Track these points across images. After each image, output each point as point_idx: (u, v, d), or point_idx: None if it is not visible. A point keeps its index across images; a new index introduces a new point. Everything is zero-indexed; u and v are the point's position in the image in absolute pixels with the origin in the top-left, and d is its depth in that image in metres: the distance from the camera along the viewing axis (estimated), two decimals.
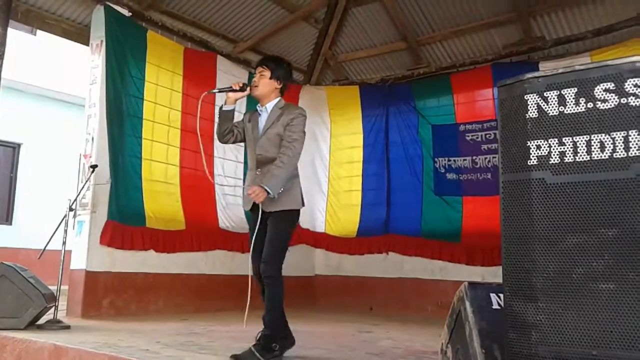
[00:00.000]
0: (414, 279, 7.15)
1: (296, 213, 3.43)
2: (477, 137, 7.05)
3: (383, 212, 7.57)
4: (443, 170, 7.28)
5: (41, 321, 4.30)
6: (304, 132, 3.40)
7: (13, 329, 3.96)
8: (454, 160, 7.20)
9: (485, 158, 6.97)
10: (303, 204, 3.45)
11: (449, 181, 7.21)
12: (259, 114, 3.45)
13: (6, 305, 4.07)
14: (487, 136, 6.98)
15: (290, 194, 3.35)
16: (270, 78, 3.40)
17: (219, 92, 3.51)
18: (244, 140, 3.53)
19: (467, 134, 7.14)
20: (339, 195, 7.94)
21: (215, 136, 3.55)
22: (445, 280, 6.76)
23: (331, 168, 8.08)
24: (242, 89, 3.38)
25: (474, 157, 7.05)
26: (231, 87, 3.40)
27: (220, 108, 3.43)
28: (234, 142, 3.59)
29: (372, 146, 7.87)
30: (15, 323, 4.03)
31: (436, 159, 7.34)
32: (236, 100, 3.40)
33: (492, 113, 6.96)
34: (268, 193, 3.16)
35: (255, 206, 3.28)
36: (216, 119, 3.55)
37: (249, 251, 7.56)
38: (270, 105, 3.41)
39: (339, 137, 8.11)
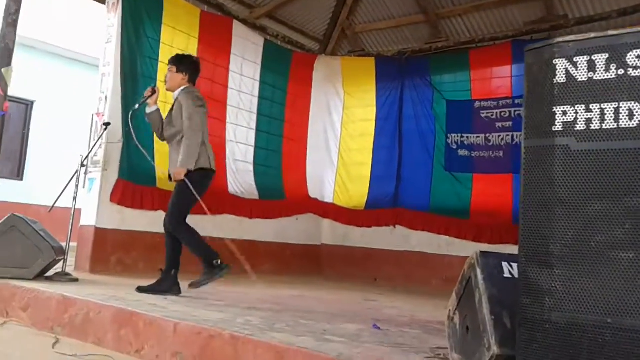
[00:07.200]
0: (420, 253, 7.15)
1: None
2: (492, 115, 6.97)
3: (392, 185, 7.54)
4: (455, 147, 7.22)
5: (50, 273, 4.34)
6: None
7: (22, 279, 4.00)
8: (467, 137, 7.14)
9: (499, 136, 6.90)
10: None
11: (460, 158, 7.16)
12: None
13: (16, 255, 4.10)
14: (502, 114, 6.90)
15: None
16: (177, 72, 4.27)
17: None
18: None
19: (482, 111, 7.06)
20: (348, 168, 7.90)
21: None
22: (451, 256, 6.76)
23: (342, 140, 8.01)
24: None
25: (487, 135, 6.99)
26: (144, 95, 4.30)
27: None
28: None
29: (384, 120, 7.80)
30: (25, 273, 4.07)
31: (449, 135, 7.28)
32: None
33: (509, 91, 6.87)
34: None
35: None
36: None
37: (257, 217, 7.48)
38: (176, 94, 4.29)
39: (352, 109, 8.02)
